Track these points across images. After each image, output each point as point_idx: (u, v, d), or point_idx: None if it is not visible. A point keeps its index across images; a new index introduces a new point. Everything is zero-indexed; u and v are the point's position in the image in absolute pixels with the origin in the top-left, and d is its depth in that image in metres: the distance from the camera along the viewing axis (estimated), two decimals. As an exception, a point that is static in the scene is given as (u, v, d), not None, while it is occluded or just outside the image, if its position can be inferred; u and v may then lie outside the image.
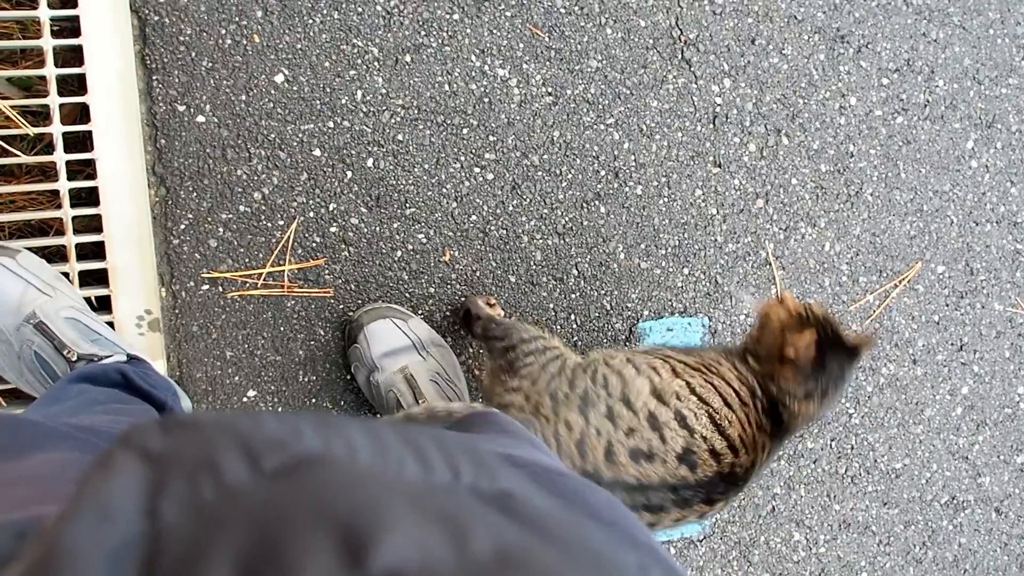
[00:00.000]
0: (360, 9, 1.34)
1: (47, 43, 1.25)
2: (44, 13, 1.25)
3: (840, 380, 1.08)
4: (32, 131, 1.27)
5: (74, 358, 1.19)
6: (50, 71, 1.26)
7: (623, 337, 1.47)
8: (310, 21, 1.32)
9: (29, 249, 1.27)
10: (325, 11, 1.33)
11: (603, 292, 1.46)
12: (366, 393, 1.38)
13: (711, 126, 1.47)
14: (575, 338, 1.45)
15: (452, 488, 0.40)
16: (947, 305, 1.62)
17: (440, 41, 1.37)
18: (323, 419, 0.42)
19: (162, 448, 0.38)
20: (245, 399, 1.35)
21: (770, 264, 1.52)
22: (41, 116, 1.31)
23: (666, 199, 1.47)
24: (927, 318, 1.61)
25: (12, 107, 1.26)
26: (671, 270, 1.49)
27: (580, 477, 0.58)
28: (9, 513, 0.65)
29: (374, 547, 0.30)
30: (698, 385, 1.05)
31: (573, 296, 1.45)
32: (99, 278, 1.32)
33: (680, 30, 1.44)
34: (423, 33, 1.36)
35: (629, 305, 1.47)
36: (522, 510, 0.39)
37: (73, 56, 1.30)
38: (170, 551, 0.33)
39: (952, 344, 1.63)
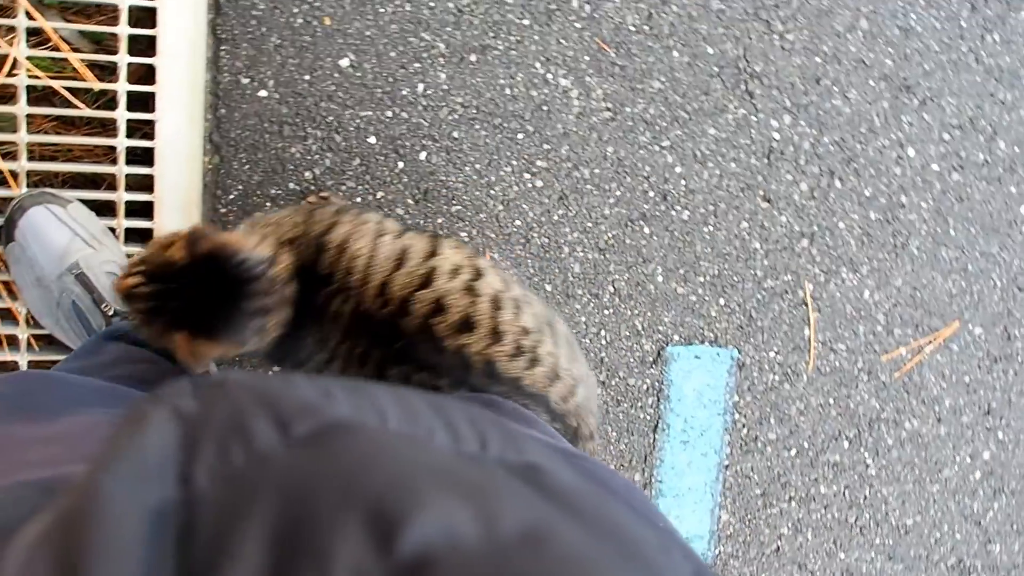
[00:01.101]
0: (432, 4, 1.33)
1: (123, 1, 1.25)
2: (124, -29, 1.25)
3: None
4: (98, 85, 1.27)
5: (111, 312, 1.19)
6: (123, 29, 1.25)
7: (651, 359, 1.45)
8: (382, 10, 1.32)
9: (80, 201, 1.27)
10: (398, 1, 1.32)
11: (636, 312, 1.44)
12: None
13: (766, 160, 1.45)
14: (602, 354, 1.43)
15: (480, 459, 0.39)
16: (980, 368, 1.58)
17: (507, 44, 1.35)
18: (354, 385, 0.41)
19: (194, 410, 0.38)
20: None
21: (806, 305, 1.49)
22: (107, 72, 1.31)
23: (711, 227, 1.45)
24: (958, 378, 1.57)
25: (81, 60, 1.26)
26: (707, 298, 1.46)
27: (598, 460, 0.57)
28: (40, 470, 0.65)
29: (402, 529, 0.29)
30: None
31: (606, 312, 1.43)
32: (144, 237, 1.32)
33: (747, 62, 1.42)
34: (491, 35, 1.35)
35: (660, 328, 1.45)
36: (549, 483, 0.38)
37: (146, 17, 1.29)
38: (204, 521, 0.32)
39: (979, 408, 1.60)
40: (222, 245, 0.89)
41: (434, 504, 0.31)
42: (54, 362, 1.32)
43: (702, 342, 1.47)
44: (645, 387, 1.45)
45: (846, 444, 1.53)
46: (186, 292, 0.88)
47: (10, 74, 1.23)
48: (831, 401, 1.52)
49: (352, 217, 1.02)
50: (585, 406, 1.02)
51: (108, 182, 1.32)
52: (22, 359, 1.27)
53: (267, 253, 0.94)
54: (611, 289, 1.43)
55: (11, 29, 1.23)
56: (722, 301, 1.47)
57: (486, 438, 0.40)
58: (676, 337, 1.46)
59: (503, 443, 0.40)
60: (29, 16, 1.22)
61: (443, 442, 0.39)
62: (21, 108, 1.23)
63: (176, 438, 0.36)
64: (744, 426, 1.49)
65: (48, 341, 1.30)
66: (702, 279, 1.46)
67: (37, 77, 1.23)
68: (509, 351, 0.94)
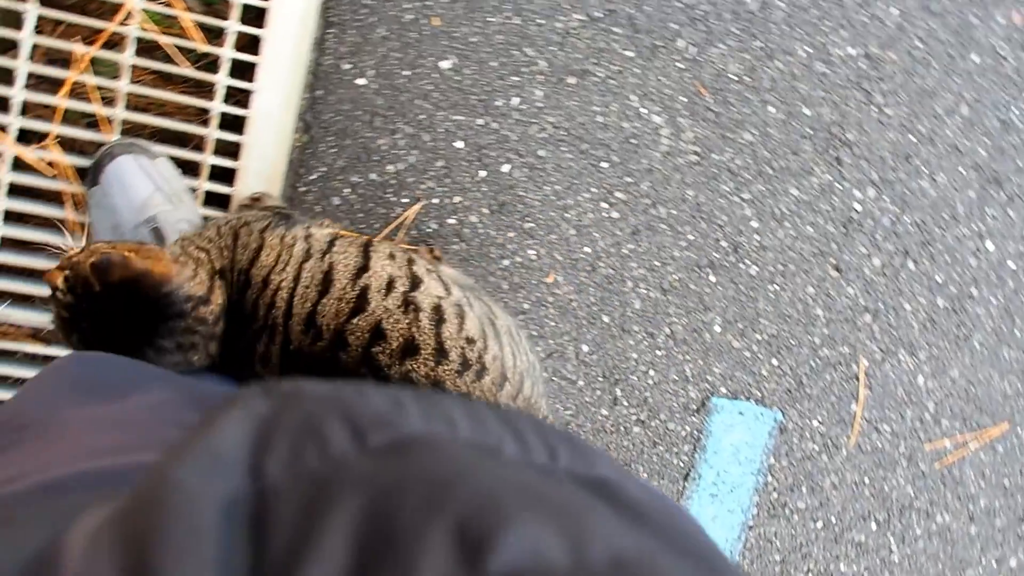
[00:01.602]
0: (541, 22, 1.32)
1: (243, -30, 1.26)
2: (249, -59, 1.26)
3: None
4: (204, 47, 1.28)
5: (179, 272, 1.20)
6: (238, -3, 1.27)
7: (694, 407, 1.43)
8: (491, 19, 1.32)
9: (167, 157, 1.28)
10: (508, 14, 1.32)
11: (688, 358, 1.43)
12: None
13: (843, 229, 1.43)
14: (647, 393, 1.42)
15: (551, 470, 0.38)
16: (1021, 473, 1.55)
17: (607, 73, 1.35)
18: (424, 395, 0.41)
19: (267, 411, 0.37)
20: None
21: (858, 380, 1.47)
22: (212, 35, 1.32)
23: (777, 287, 1.43)
24: (997, 480, 1.54)
25: (193, 20, 1.27)
26: (760, 356, 1.44)
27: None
28: (113, 458, 0.65)
29: (491, 546, 0.29)
30: None
31: (658, 353, 1.42)
32: (222, 203, 1.33)
33: (841, 128, 1.40)
34: (593, 60, 1.34)
35: (709, 378, 1.43)
36: (623, 498, 0.37)
37: (262, -11, 1.31)
38: (280, 515, 0.32)
39: (1015, 513, 1.56)
40: (142, 274, 0.87)
41: (521, 524, 0.30)
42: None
43: (748, 399, 1.45)
44: (684, 434, 1.43)
45: (874, 526, 1.51)
46: (99, 315, 0.88)
47: (123, 23, 1.24)
48: (866, 480, 1.49)
49: (278, 238, 0.98)
50: (533, 396, 0.97)
51: (194, 143, 1.33)
52: (83, 301, 1.28)
53: (200, 290, 0.91)
54: (667, 331, 1.42)
55: (132, -20, 1.24)
56: (775, 362, 1.45)
57: (555, 449, 0.40)
58: (723, 389, 1.44)
59: (572, 455, 0.40)
60: (151, -30, 1.23)
61: (512, 452, 0.39)
62: (127, 57, 1.24)
63: (248, 434, 0.36)
64: (775, 490, 1.46)
65: (111, 288, 1.31)
66: (759, 336, 1.44)
67: (147, 30, 1.25)
68: (456, 367, 0.89)
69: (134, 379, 0.85)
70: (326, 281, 0.92)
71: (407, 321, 0.90)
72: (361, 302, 0.90)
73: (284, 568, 0.30)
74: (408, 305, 0.90)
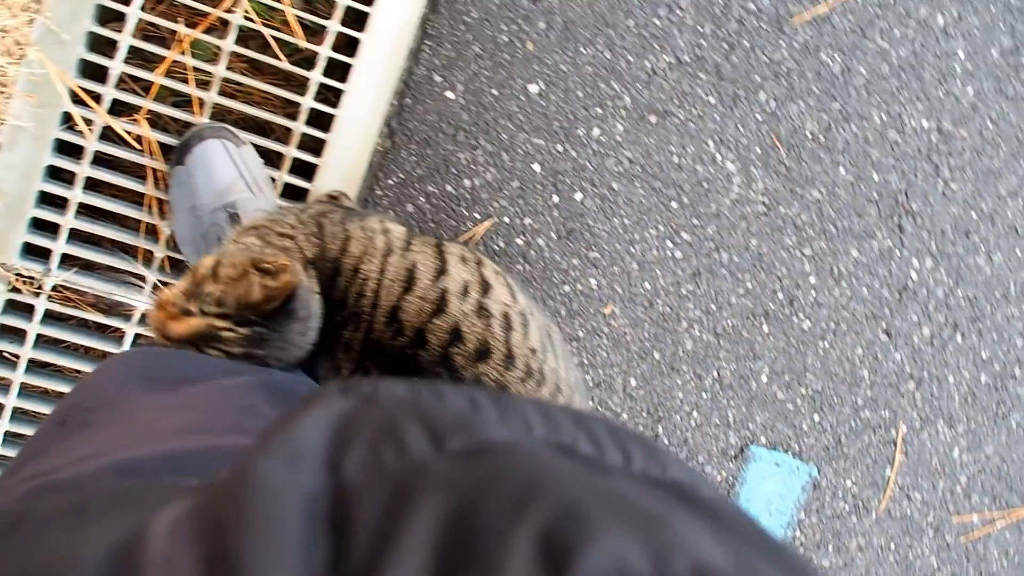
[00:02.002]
0: (631, 59, 1.35)
1: (351, -26, 1.29)
2: (360, -53, 1.28)
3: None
4: (303, 43, 1.30)
5: (251, 258, 1.21)
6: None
7: (732, 453, 1.44)
8: (582, 50, 1.34)
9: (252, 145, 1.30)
10: (599, 47, 1.35)
11: (732, 404, 1.44)
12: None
13: (897, 296, 1.45)
14: (687, 434, 1.43)
15: (626, 473, 0.38)
16: (1042, 556, 1.56)
17: (688, 116, 1.37)
18: (499, 395, 0.40)
19: (346, 409, 0.37)
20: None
21: (895, 445, 1.48)
22: (310, 32, 1.35)
23: (827, 344, 1.45)
24: (1020, 560, 1.54)
25: (296, 16, 1.29)
26: (803, 411, 1.46)
27: None
28: (182, 440, 0.65)
29: (575, 557, 0.28)
30: None
31: (704, 396, 1.43)
32: (299, 196, 1.34)
33: (907, 197, 1.43)
34: (676, 102, 1.37)
35: (750, 426, 1.45)
36: (697, 500, 0.36)
37: (365, -6, 1.33)
38: (360, 514, 0.31)
39: (1031, 595, 1.57)
40: (297, 289, 0.87)
41: (606, 535, 0.30)
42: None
43: (786, 451, 1.46)
44: (719, 478, 1.44)
45: (894, 592, 1.51)
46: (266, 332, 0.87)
47: (229, 10, 1.26)
48: (892, 546, 1.50)
49: (359, 228, 0.99)
50: None
51: (278, 134, 1.35)
52: (151, 276, 1.29)
53: (317, 307, 0.91)
54: (715, 375, 1.43)
55: (242, -31, 1.26)
56: (816, 417, 1.46)
57: (629, 452, 0.39)
58: (763, 439, 1.45)
59: (646, 457, 0.39)
60: (263, -38, 1.25)
61: (587, 451, 0.38)
62: (228, 44, 1.26)
63: (327, 432, 0.35)
64: (802, 545, 1.47)
65: (178, 270, 1.32)
66: (804, 391, 1.45)
67: (251, 20, 1.27)
68: (520, 375, 0.92)
69: (202, 369, 0.85)
70: (409, 278, 0.94)
71: (482, 326, 0.92)
72: (441, 303, 0.92)
73: (366, 568, 0.30)
74: (482, 310, 0.93)
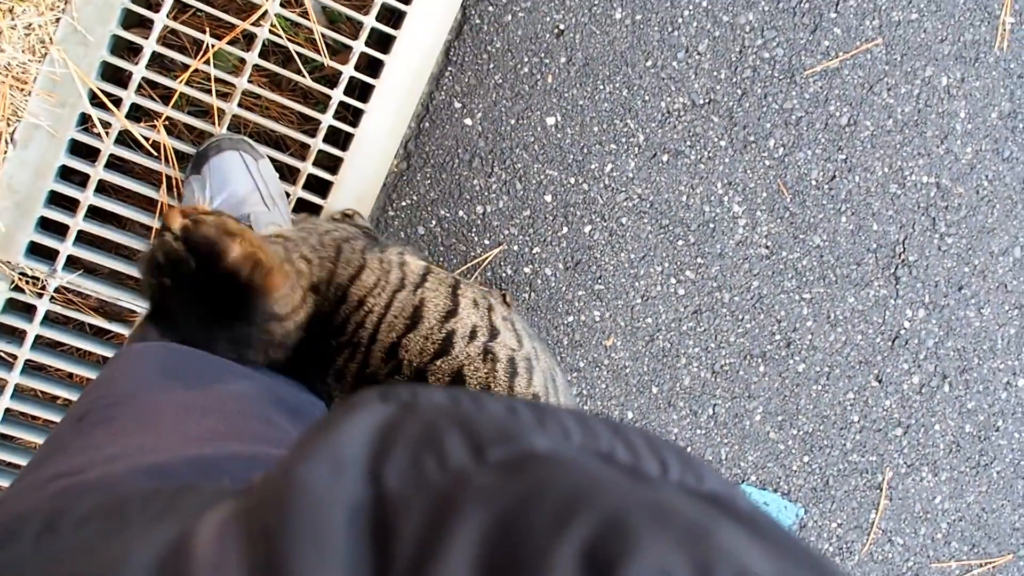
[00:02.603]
0: (647, 98, 1.38)
1: (379, -4, 1.30)
2: (390, -29, 1.30)
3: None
4: (327, 61, 1.31)
5: (263, 272, 1.21)
6: (369, 20, 1.30)
7: (723, 490, 1.46)
8: (600, 87, 1.37)
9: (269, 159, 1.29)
10: (617, 85, 1.37)
11: (725, 442, 1.46)
12: None
13: (889, 344, 1.49)
14: (680, 469, 1.44)
15: (663, 483, 0.38)
16: (1014, 606, 1.60)
17: (699, 156, 1.40)
18: (536, 404, 0.40)
19: (386, 417, 0.37)
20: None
21: (880, 490, 1.51)
22: (331, 51, 1.35)
23: (820, 387, 1.48)
24: (994, 609, 1.59)
25: (322, 35, 1.30)
26: (794, 451, 1.48)
27: None
28: (209, 446, 0.64)
29: (620, 571, 0.28)
30: None
31: (698, 432, 1.45)
32: (313, 210, 1.34)
33: (904, 248, 1.47)
34: (688, 143, 1.40)
35: (742, 464, 1.47)
36: (734, 512, 0.36)
37: (392, 17, 1.35)
38: (403, 525, 0.31)
39: (1002, 643, 1.61)
40: (269, 289, 0.85)
41: (650, 547, 0.29)
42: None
43: (775, 491, 1.48)
44: (709, 515, 1.46)
45: (871, 635, 1.54)
46: (192, 277, 0.84)
47: (256, 23, 1.27)
48: (872, 589, 1.53)
49: (377, 260, 0.99)
50: None
51: (293, 149, 1.35)
52: (157, 284, 1.28)
53: (284, 309, 0.89)
54: (711, 412, 1.45)
55: (271, -16, 1.27)
56: (806, 459, 1.49)
57: (666, 462, 0.38)
58: (753, 477, 1.47)
59: (682, 468, 0.39)
60: (292, -21, 1.26)
61: (625, 459, 0.38)
62: (252, 56, 1.27)
63: (368, 439, 0.35)
64: (786, 584, 1.49)
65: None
66: (795, 432, 1.48)
67: (277, 34, 1.27)
68: None
69: (217, 371, 0.86)
70: (415, 316, 0.93)
71: (486, 371, 0.91)
72: (446, 345, 0.91)
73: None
74: (487, 354, 0.92)
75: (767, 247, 1.42)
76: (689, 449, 1.42)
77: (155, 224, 1.27)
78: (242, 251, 0.85)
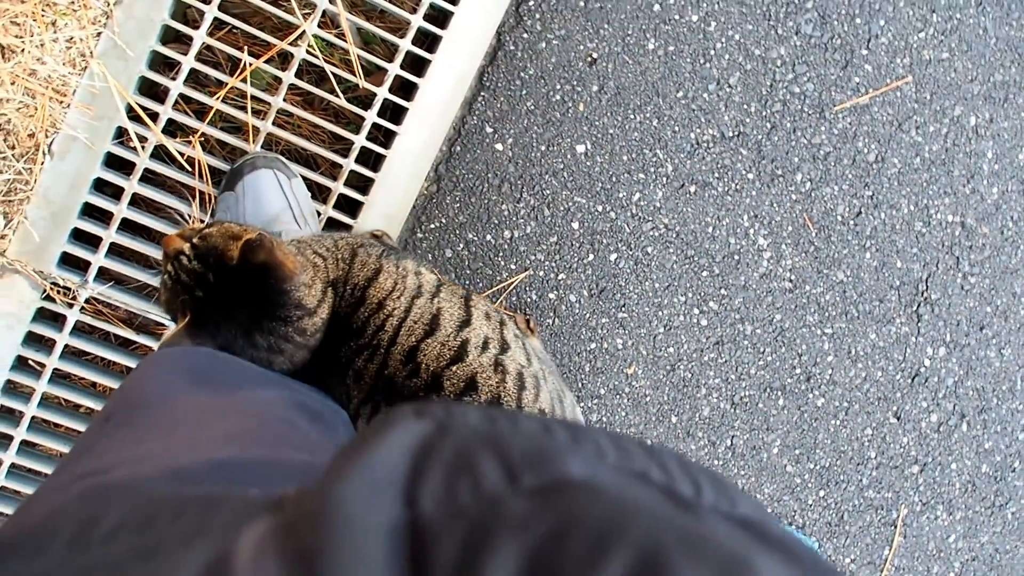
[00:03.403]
0: (677, 128, 1.40)
1: (416, 20, 1.32)
2: (427, -5, 1.31)
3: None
4: (362, 83, 1.32)
5: (291, 290, 1.22)
6: (404, 43, 1.31)
7: (738, 521, 1.47)
8: (631, 116, 1.38)
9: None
10: (648, 115, 1.39)
11: (742, 473, 1.47)
12: None
13: (909, 381, 1.50)
14: (696, 499, 1.45)
15: (698, 507, 0.37)
16: (1024, 646, 1.61)
17: (726, 189, 1.42)
18: (572, 424, 0.40)
19: (420, 438, 0.36)
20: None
21: (895, 527, 1.52)
22: (366, 72, 1.37)
23: (839, 422, 1.49)
24: (1004, 650, 1.59)
25: (358, 56, 1.32)
26: (810, 485, 1.49)
27: None
28: (234, 449, 0.64)
29: None
30: None
31: (716, 463, 1.46)
32: (342, 230, 1.35)
33: (927, 286, 1.49)
34: (716, 175, 1.41)
35: (759, 496, 1.47)
36: (768, 538, 0.36)
37: (427, 40, 1.36)
38: (439, 553, 0.31)
39: None
40: (278, 266, 0.90)
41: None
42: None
43: (790, 523, 1.49)
44: (723, 545, 1.47)
45: (881, 671, 1.54)
46: (218, 289, 0.91)
47: (293, 43, 1.28)
48: (883, 625, 1.53)
49: (393, 266, 1.02)
50: None
51: (324, 168, 1.36)
52: (186, 298, 1.29)
53: (311, 302, 0.94)
54: (728, 443, 1.46)
55: (310, 5, 1.29)
56: (822, 493, 1.50)
57: (700, 484, 0.38)
58: (768, 510, 1.48)
59: (716, 492, 0.38)
60: (331, 1, 1.28)
61: (659, 479, 0.38)
62: (288, 76, 1.28)
63: (404, 460, 0.35)
64: (797, 618, 1.50)
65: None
66: (812, 466, 1.49)
67: (313, 54, 1.29)
68: None
69: (241, 376, 0.87)
70: (433, 323, 0.96)
71: (497, 380, 0.94)
72: (461, 352, 0.94)
73: None
74: (498, 366, 0.95)
75: (791, 280, 1.44)
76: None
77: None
78: (246, 239, 0.88)
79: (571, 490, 0.34)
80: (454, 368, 0.94)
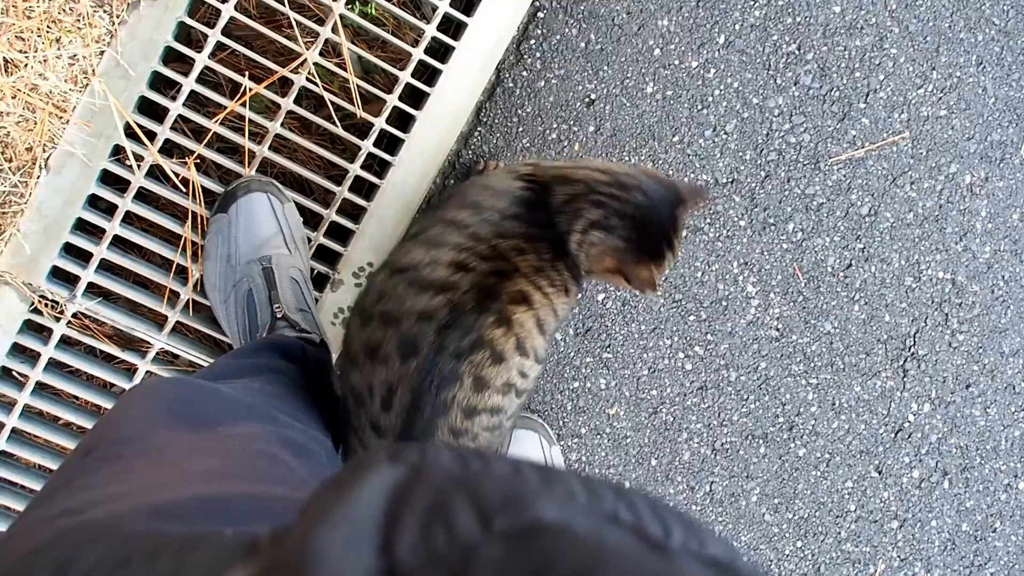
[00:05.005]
0: (671, 173, 1.41)
1: (417, 53, 1.34)
2: (430, 29, 1.34)
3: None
4: (360, 112, 1.35)
5: (279, 315, 1.24)
6: (404, 75, 1.34)
7: (713, 568, 1.48)
8: (627, 158, 1.40)
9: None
10: (643, 157, 1.40)
11: (720, 520, 1.49)
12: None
13: (892, 436, 1.52)
14: (672, 543, 1.46)
15: (666, 548, 0.38)
16: None
17: (718, 234, 1.44)
18: (541, 466, 0.41)
19: (397, 481, 0.37)
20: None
21: (872, 581, 1.54)
22: (364, 100, 1.40)
23: (819, 473, 1.51)
24: None
25: (358, 86, 1.34)
26: (787, 535, 1.51)
27: None
28: (205, 485, 0.66)
29: None
30: None
31: (694, 508, 1.48)
32: (331, 259, 1.38)
33: (915, 341, 1.51)
34: (708, 220, 1.44)
35: (734, 544, 1.49)
36: None
37: (426, 73, 1.39)
38: None
39: None
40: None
41: None
42: (197, 332, 1.36)
43: (766, 573, 1.51)
44: (697, 591, 1.48)
45: None
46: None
47: (295, 70, 1.32)
48: None
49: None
50: None
51: (316, 194, 1.39)
52: (173, 316, 1.32)
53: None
54: (707, 488, 1.48)
55: (313, 33, 1.32)
56: (799, 544, 1.51)
57: (669, 525, 0.38)
58: (744, 559, 1.50)
59: (686, 533, 0.39)
60: (334, 30, 1.31)
61: (628, 520, 0.38)
62: (287, 102, 1.31)
63: (379, 506, 0.36)
64: (769, 668, 1.51)
65: (201, 313, 1.35)
66: (791, 516, 1.50)
67: (313, 82, 1.32)
68: None
69: (225, 409, 0.89)
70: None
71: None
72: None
73: None
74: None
75: (778, 329, 1.46)
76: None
77: (177, 259, 1.31)
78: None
79: (544, 534, 0.35)
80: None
